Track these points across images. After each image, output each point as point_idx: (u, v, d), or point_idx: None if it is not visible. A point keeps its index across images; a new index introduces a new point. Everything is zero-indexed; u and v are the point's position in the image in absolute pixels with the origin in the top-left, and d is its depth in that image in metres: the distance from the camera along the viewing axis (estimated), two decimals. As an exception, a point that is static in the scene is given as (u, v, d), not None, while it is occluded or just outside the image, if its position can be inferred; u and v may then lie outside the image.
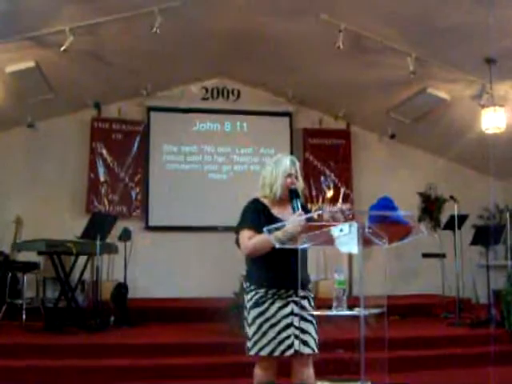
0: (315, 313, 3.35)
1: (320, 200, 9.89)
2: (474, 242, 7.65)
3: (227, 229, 9.28)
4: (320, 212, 3.34)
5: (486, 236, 7.59)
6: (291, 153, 9.89)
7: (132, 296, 7.77)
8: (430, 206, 9.95)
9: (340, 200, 9.87)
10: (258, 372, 3.39)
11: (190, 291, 8.82)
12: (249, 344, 3.31)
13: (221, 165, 9.84)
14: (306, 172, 9.87)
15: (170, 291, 8.86)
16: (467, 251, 8.21)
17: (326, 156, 9.97)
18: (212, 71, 9.56)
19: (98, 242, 6.64)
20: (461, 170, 10.54)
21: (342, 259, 4.15)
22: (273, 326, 3.25)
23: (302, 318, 3.29)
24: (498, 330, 6.76)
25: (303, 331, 3.28)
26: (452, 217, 7.79)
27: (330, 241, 2.96)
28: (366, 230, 2.76)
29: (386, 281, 3.26)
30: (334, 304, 2.87)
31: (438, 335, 6.68)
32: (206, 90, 9.87)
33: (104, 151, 9.30)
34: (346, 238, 2.83)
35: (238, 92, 9.93)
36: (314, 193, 9.90)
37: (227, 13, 7.02)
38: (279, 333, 3.24)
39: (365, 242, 2.81)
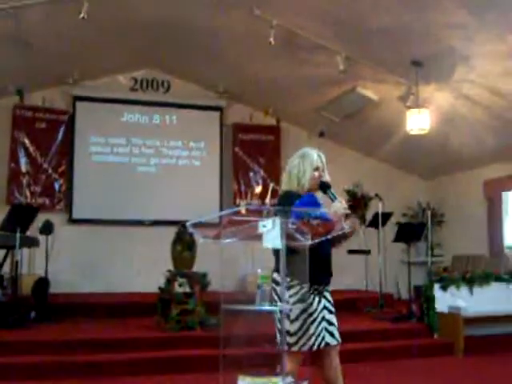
0: (241, 307, 3.32)
1: (249, 195, 9.90)
2: (397, 239, 7.86)
3: (155, 223, 9.20)
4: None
5: (407, 233, 7.82)
6: (221, 148, 9.87)
7: (55, 291, 7.53)
8: (356, 204, 10.16)
9: (268, 196, 9.90)
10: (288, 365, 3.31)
11: (116, 286, 8.65)
12: (291, 340, 3.28)
13: (149, 157, 9.66)
14: (236, 167, 9.87)
15: (96, 286, 8.66)
16: (391, 248, 8.43)
17: (256, 152, 9.99)
18: (142, 62, 9.36)
19: (17, 235, 6.40)
20: (387, 169, 10.81)
21: (269, 254, 4.13)
22: (314, 321, 3.31)
23: (328, 311, 3.42)
24: (418, 325, 7.00)
25: (330, 323, 3.40)
26: (376, 214, 7.98)
27: (255, 236, 2.93)
28: (290, 225, 2.75)
29: (308, 276, 3.27)
30: (258, 298, 2.86)
31: (361, 329, 6.82)
32: (135, 81, 9.67)
33: (26, 140, 8.93)
34: (270, 233, 2.82)
35: (168, 84, 9.78)
36: (242, 188, 9.89)
37: (159, 2, 6.89)
38: (317, 327, 3.32)
39: (288, 237, 2.80)
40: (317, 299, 3.36)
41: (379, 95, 8.27)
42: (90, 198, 9.23)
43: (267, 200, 9.80)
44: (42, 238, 7.38)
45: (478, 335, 6.76)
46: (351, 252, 8.91)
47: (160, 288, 6.50)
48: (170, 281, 6.38)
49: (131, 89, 9.64)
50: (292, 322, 3.28)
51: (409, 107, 7.54)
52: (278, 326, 3.32)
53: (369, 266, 9.07)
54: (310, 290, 3.32)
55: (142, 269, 8.61)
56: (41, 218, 7.39)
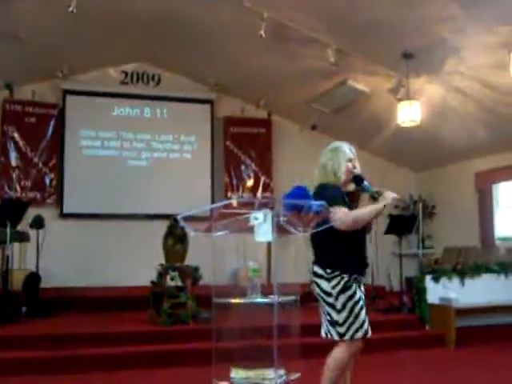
0: (233, 300, 3.32)
1: (240, 189, 9.88)
2: (388, 232, 7.87)
3: (147, 217, 9.18)
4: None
5: (398, 226, 7.83)
6: (212, 141, 9.85)
7: (46, 285, 7.51)
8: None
9: (260, 189, 9.90)
10: (344, 357, 3.35)
11: (108, 280, 8.61)
12: (341, 330, 3.31)
13: (140, 151, 9.63)
14: (227, 161, 9.85)
15: (88, 280, 8.60)
16: (383, 240, 8.45)
17: (247, 145, 9.97)
18: (132, 55, 9.30)
19: (8, 230, 6.36)
20: (379, 162, 10.81)
21: (260, 247, 4.13)
22: (361, 308, 3.33)
23: (364, 302, 3.44)
24: (410, 316, 7.03)
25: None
26: (368, 207, 7.98)
27: (247, 229, 2.93)
28: (281, 218, 2.75)
29: (294, 268, 3.28)
30: (249, 291, 2.86)
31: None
32: (126, 75, 9.61)
33: (16, 135, 8.87)
34: (262, 227, 2.81)
35: (159, 77, 9.73)
36: (234, 181, 9.87)
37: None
38: (365, 314, 3.35)
39: (280, 230, 2.80)
40: (358, 288, 3.39)
41: (370, 87, 8.27)
42: (81, 192, 9.19)
43: (259, 193, 9.79)
44: (32, 233, 7.36)
45: (469, 326, 6.79)
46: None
47: (152, 282, 6.49)
48: (161, 274, 6.37)
49: (121, 82, 9.59)
50: (339, 312, 3.30)
51: (399, 99, 7.54)
52: (328, 317, 3.35)
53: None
54: (350, 279, 3.33)
55: (135, 263, 8.57)
56: (31, 213, 7.36)
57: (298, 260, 4.11)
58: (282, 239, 3.75)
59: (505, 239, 9.36)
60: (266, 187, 9.92)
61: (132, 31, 7.96)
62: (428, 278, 7.03)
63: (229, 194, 9.73)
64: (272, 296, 2.75)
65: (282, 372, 2.96)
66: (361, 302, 3.34)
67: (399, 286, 7.98)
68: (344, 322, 3.29)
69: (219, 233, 2.96)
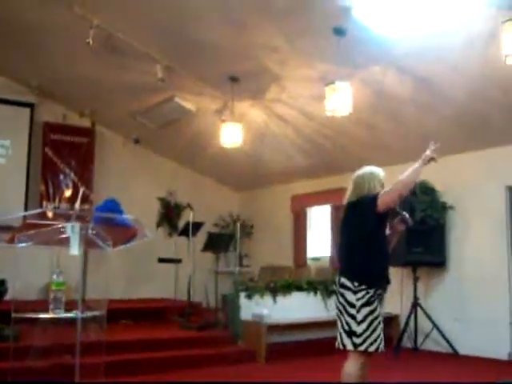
0: (33, 316, 3.15)
1: (57, 199, 9.40)
2: (206, 249, 8.01)
3: None
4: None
5: (215, 243, 8.01)
6: (29, 147, 9.29)
7: None
8: (169, 212, 10.18)
9: (78, 200, 9.47)
10: (354, 369, 3.58)
11: None
12: (357, 340, 3.54)
13: None
14: (44, 169, 9.32)
15: None
16: (203, 257, 8.57)
17: (68, 154, 9.51)
18: None
19: None
20: (202, 180, 11.00)
21: (73, 261, 3.97)
22: (379, 323, 3.60)
23: (382, 317, 3.73)
24: (223, 332, 7.18)
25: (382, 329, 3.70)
26: (187, 223, 8.07)
27: (57, 240, 2.81)
28: (90, 231, 2.67)
29: (105, 284, 3.19)
30: (51, 306, 2.73)
31: (165, 338, 6.83)
32: None
33: None
34: (73, 239, 2.71)
35: (-28, 74, 8.99)
36: (50, 191, 9.36)
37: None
38: (381, 330, 3.62)
39: (90, 243, 2.72)
40: (379, 303, 3.63)
41: (197, 107, 8.38)
42: None
43: (77, 204, 9.37)
44: None
45: (281, 342, 7.11)
46: (162, 261, 8.91)
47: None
48: (-40, 288, 5.85)
49: None
50: (359, 323, 3.55)
51: (224, 121, 7.74)
52: (346, 327, 3.59)
53: (179, 274, 9.11)
54: (374, 294, 3.58)
55: None
56: None
57: (113, 276, 4.02)
58: (96, 254, 3.64)
59: (315, 259, 9.99)
60: (86, 199, 9.52)
61: None
62: (242, 295, 7.26)
63: (44, 204, 9.20)
64: (76, 311, 2.65)
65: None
66: (379, 318, 3.60)
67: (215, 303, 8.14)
68: (361, 333, 3.55)
69: (23, 244, 2.80)
